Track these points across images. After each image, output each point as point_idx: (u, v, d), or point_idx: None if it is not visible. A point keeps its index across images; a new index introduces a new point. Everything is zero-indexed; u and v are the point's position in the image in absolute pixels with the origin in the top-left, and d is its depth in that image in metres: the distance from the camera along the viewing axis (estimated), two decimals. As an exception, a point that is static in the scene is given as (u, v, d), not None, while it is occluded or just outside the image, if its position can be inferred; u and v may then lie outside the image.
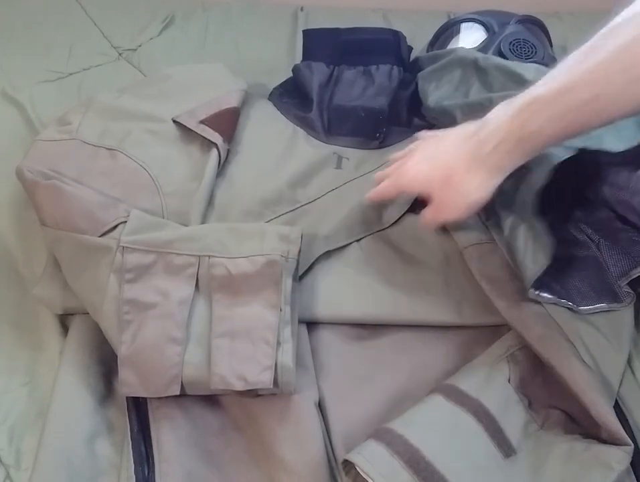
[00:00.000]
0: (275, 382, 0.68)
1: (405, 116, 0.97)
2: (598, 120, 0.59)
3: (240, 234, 0.75)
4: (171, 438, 0.69)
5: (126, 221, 0.74)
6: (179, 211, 0.82)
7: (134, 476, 0.67)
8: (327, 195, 0.90)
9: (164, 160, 0.86)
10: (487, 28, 0.94)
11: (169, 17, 1.23)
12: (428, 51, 1.00)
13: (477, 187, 0.68)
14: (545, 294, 0.76)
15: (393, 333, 0.80)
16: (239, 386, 0.68)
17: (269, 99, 1.02)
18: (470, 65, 0.87)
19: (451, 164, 0.69)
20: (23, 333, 0.80)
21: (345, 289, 0.81)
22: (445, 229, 0.83)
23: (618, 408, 0.72)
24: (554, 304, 0.76)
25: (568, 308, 0.76)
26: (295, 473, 0.66)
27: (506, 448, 0.66)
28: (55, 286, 0.78)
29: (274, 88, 1.05)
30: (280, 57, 1.16)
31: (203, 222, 0.82)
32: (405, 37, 1.02)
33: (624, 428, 0.67)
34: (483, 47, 0.92)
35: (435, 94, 0.88)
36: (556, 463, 0.66)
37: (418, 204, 0.81)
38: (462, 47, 0.91)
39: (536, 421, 0.70)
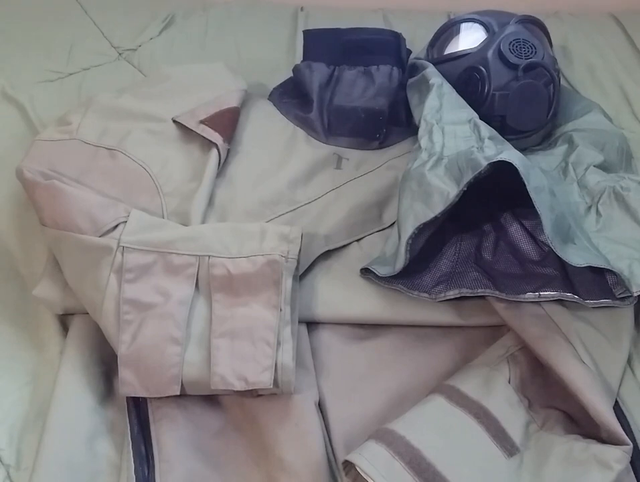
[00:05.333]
0: (275, 382, 0.68)
1: (405, 116, 0.97)
2: None
3: (240, 234, 0.76)
4: (171, 438, 0.69)
5: (126, 221, 0.74)
6: (179, 211, 0.82)
7: (134, 477, 0.67)
8: (326, 195, 0.90)
9: (164, 160, 0.86)
10: (487, 28, 0.94)
11: (169, 17, 1.23)
12: (427, 51, 1.00)
13: None
14: (547, 293, 0.76)
15: (393, 333, 0.80)
16: (239, 386, 0.68)
17: (269, 99, 1.02)
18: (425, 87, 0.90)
19: None
20: (23, 333, 0.80)
21: (345, 289, 0.81)
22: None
23: (618, 408, 0.72)
24: (560, 299, 0.77)
25: (574, 301, 0.77)
26: (295, 473, 0.66)
27: (509, 447, 0.66)
28: (55, 286, 0.78)
29: (274, 88, 1.05)
30: (280, 57, 1.16)
31: (203, 222, 0.82)
32: (405, 40, 1.02)
33: (623, 427, 0.67)
34: (483, 47, 0.91)
35: (418, 108, 0.89)
36: (556, 463, 0.66)
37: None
38: (431, 67, 0.92)
39: (536, 421, 0.70)
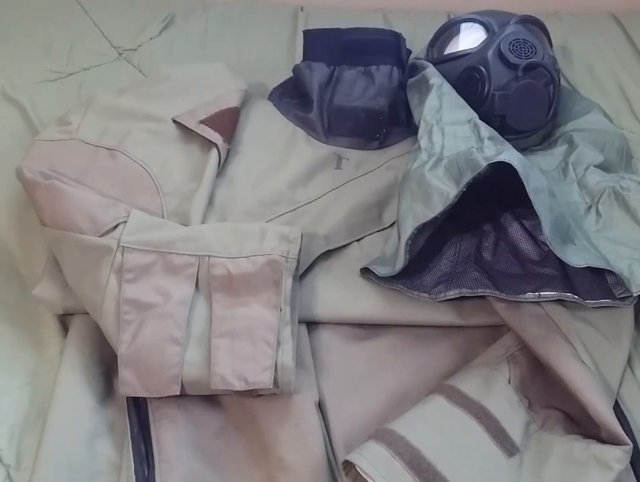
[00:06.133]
0: (275, 382, 0.68)
1: (405, 116, 0.97)
2: None
3: (240, 234, 0.76)
4: (171, 438, 0.69)
5: (126, 221, 0.74)
6: (179, 211, 0.82)
7: (134, 477, 0.67)
8: (326, 195, 0.90)
9: (164, 160, 0.86)
10: (487, 28, 0.94)
11: (169, 17, 1.23)
12: (427, 51, 1.00)
13: None
14: (547, 293, 0.76)
15: (393, 333, 0.80)
16: (239, 386, 0.68)
17: (269, 99, 1.02)
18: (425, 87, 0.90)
19: None
20: (23, 333, 0.80)
21: (345, 289, 0.81)
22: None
23: (618, 408, 0.72)
24: (559, 299, 0.77)
25: (574, 301, 0.77)
26: (295, 473, 0.66)
27: (509, 447, 0.66)
28: (55, 286, 0.78)
29: (274, 88, 1.05)
30: (280, 57, 1.16)
31: (203, 222, 0.82)
32: (405, 40, 1.02)
33: (623, 427, 0.67)
34: (483, 47, 0.91)
35: (418, 109, 0.89)
36: (556, 463, 0.66)
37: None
38: (431, 68, 0.92)
39: (536, 421, 0.70)
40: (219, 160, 0.87)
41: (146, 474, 0.67)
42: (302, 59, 1.01)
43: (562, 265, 0.79)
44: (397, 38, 1.01)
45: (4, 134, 0.99)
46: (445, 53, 0.97)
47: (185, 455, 0.69)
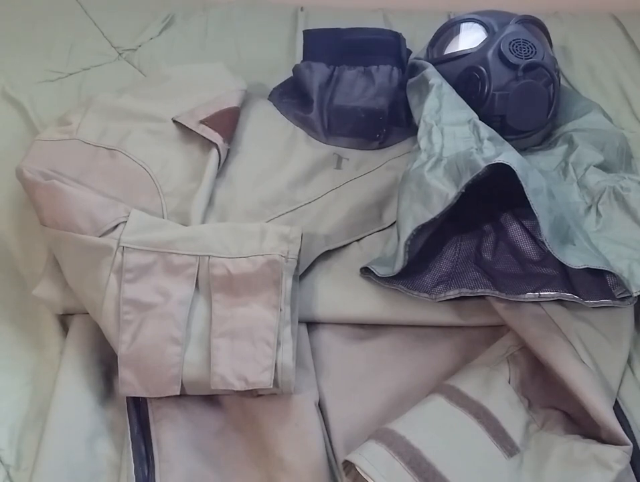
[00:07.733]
0: (275, 382, 0.68)
1: (405, 116, 0.97)
2: None
3: (240, 234, 0.76)
4: (171, 438, 0.69)
5: (126, 221, 0.74)
6: (179, 211, 0.82)
7: (134, 477, 0.67)
8: (326, 195, 0.90)
9: (164, 160, 0.86)
10: (487, 28, 0.94)
11: (169, 17, 1.23)
12: (427, 51, 1.00)
13: None
14: (547, 293, 0.76)
15: (394, 333, 0.80)
16: (239, 386, 0.68)
17: (269, 99, 1.02)
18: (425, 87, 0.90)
19: None
20: (23, 333, 0.79)
21: (345, 289, 0.81)
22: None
23: (618, 408, 0.72)
24: (559, 299, 0.77)
25: (574, 301, 0.77)
26: (295, 473, 0.66)
27: (509, 447, 0.66)
28: (55, 286, 0.78)
29: (274, 88, 1.05)
30: (280, 57, 1.16)
31: (203, 222, 0.82)
32: (405, 40, 1.02)
33: (623, 427, 0.67)
34: (483, 47, 0.91)
35: (418, 109, 0.89)
36: (556, 463, 0.66)
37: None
38: (431, 68, 0.92)
39: (536, 421, 0.70)
40: (219, 160, 0.87)
41: (146, 474, 0.67)
42: (302, 59, 1.01)
43: (562, 265, 0.79)
44: (397, 38, 1.01)
45: (4, 134, 0.99)
46: (445, 53, 0.97)
47: (185, 455, 0.69)
